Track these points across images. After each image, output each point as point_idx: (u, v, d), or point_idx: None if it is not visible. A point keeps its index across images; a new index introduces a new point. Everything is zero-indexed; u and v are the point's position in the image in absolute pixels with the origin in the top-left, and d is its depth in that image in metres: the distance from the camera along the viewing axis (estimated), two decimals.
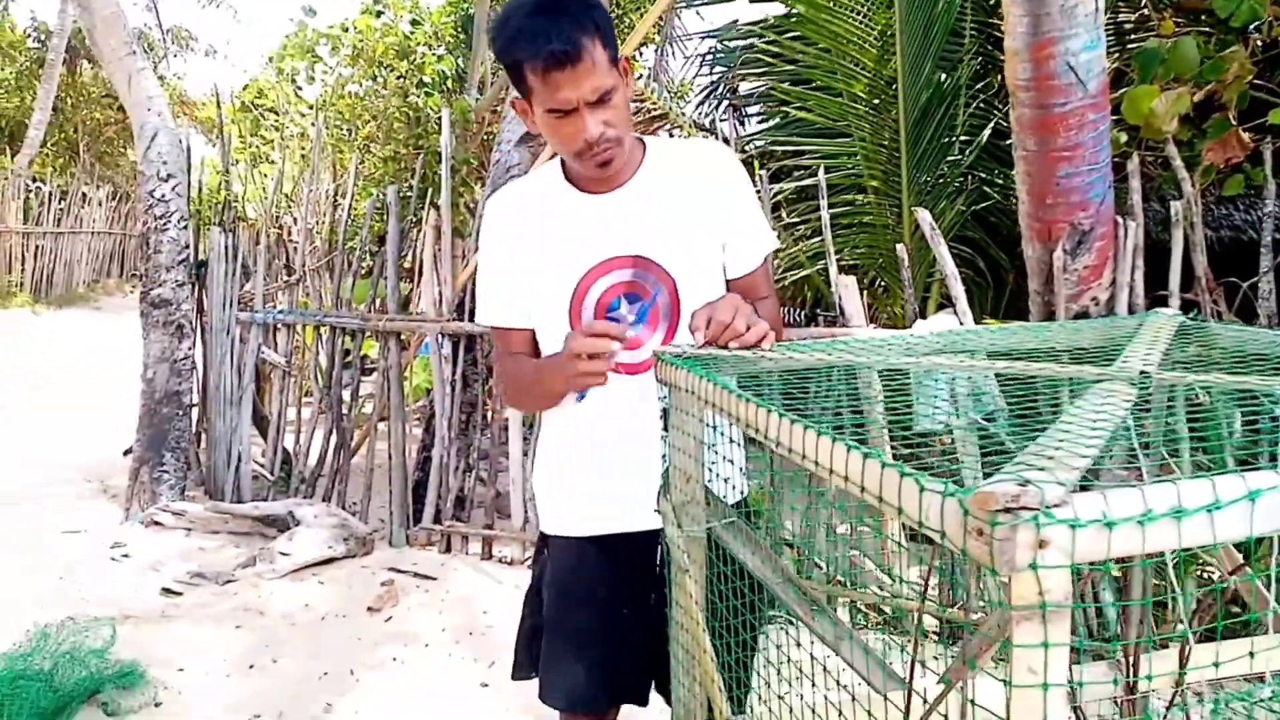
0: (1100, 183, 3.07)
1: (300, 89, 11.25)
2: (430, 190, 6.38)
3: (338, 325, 4.69)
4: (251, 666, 3.29)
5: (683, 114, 5.93)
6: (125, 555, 4.29)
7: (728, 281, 1.68)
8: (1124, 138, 3.75)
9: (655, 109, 5.39)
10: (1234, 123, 3.58)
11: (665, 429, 1.43)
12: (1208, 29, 4.02)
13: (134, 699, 3.00)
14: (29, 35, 17.07)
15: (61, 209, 15.91)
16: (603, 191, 1.62)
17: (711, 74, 6.30)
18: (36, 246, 15.54)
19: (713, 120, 5.93)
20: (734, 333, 1.38)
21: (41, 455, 6.34)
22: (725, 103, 6.19)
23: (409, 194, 5.90)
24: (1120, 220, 3.13)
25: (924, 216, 3.39)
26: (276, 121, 10.59)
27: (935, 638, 3.47)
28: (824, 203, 3.75)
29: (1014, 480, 0.59)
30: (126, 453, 5.17)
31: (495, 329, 1.74)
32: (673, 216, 1.62)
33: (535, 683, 1.80)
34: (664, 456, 1.44)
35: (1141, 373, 1.05)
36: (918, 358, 1.53)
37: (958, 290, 3.35)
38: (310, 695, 3.08)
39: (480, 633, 3.59)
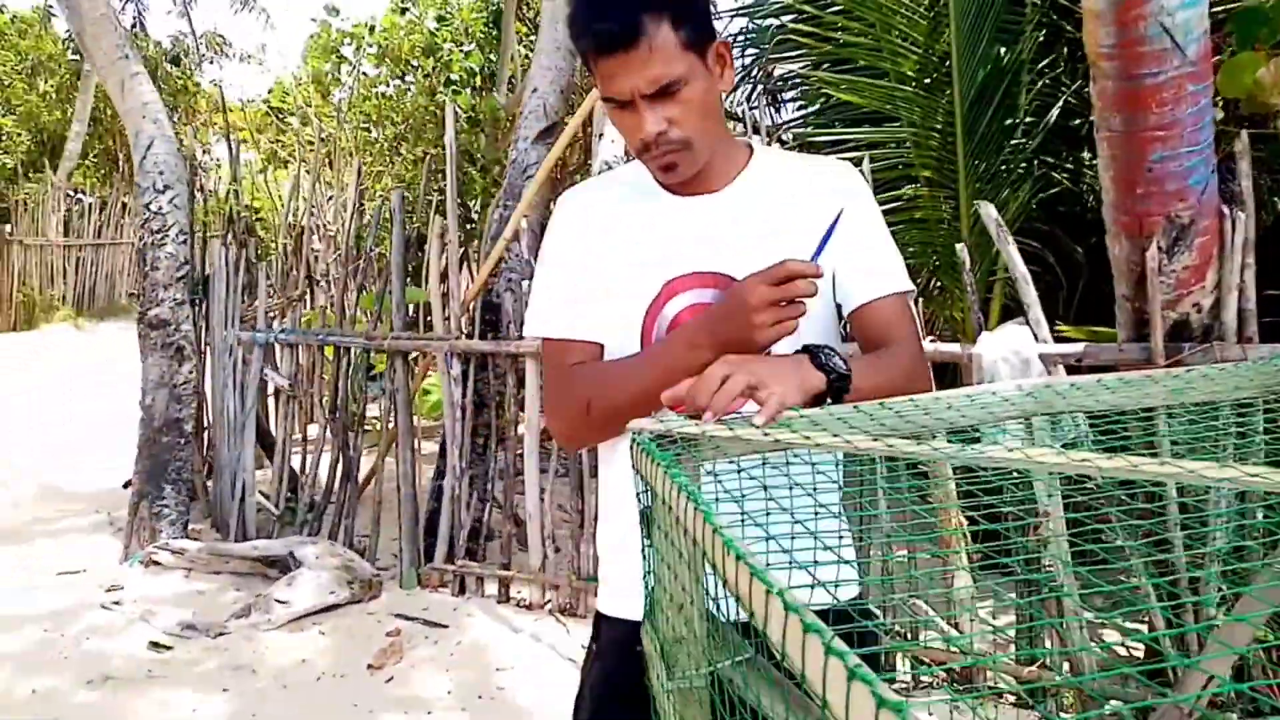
0: (1202, 167, 2.56)
1: (327, 92, 10.99)
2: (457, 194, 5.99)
3: (341, 344, 4.33)
4: None
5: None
6: (116, 603, 3.97)
7: (849, 318, 1.32)
8: (1220, 114, 3.23)
9: None
10: None
11: (647, 537, 1.01)
12: None
13: None
14: (67, 47, 17.09)
15: (102, 220, 15.92)
16: (696, 193, 1.34)
17: (743, 56, 5.81)
18: (78, 259, 15.56)
19: (745, 108, 5.45)
20: (702, 404, 1.01)
21: (60, 482, 6.11)
22: (759, 87, 5.71)
23: (438, 196, 5.52)
24: (1226, 211, 2.62)
25: (988, 211, 2.91)
26: (301, 126, 10.34)
27: (1011, 700, 3.00)
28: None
29: None
30: (126, 485, 4.87)
31: (549, 342, 1.37)
32: (770, 231, 1.30)
33: None
34: (645, 578, 1.03)
35: None
36: (992, 441, 1.09)
37: (1030, 296, 2.87)
38: None
39: (490, 695, 3.19)
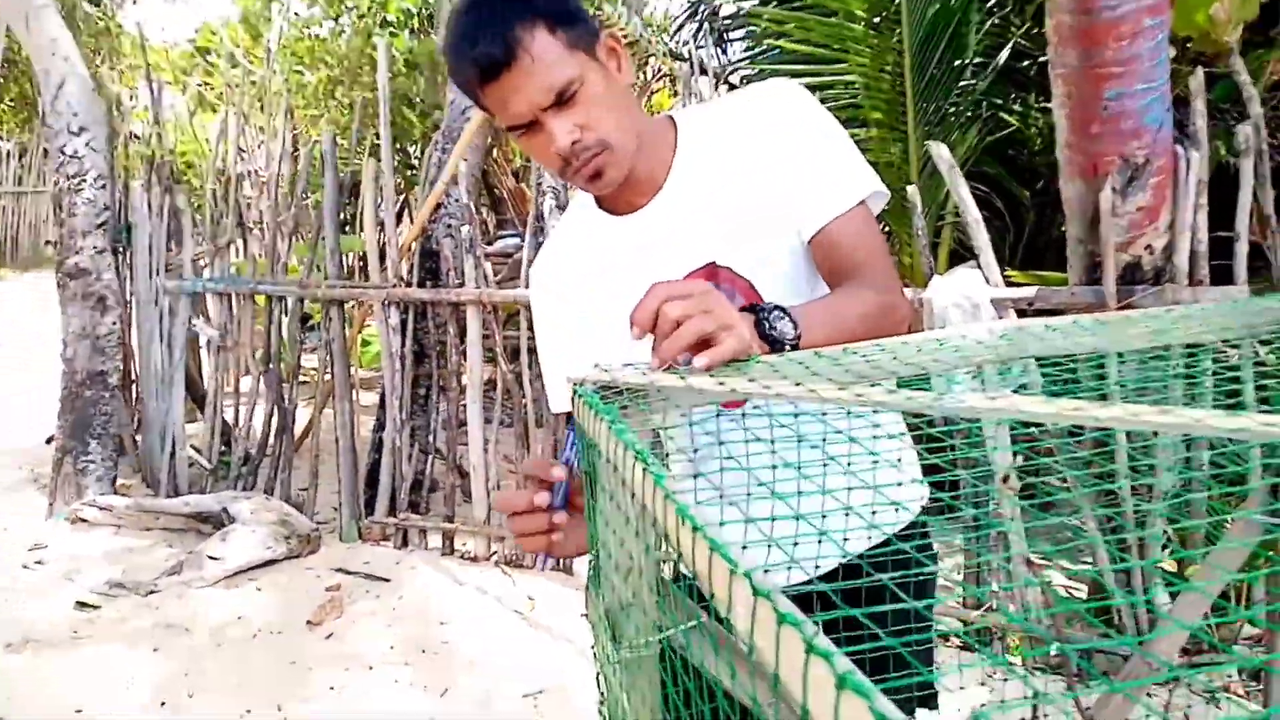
0: (1158, 105, 2.52)
1: (258, 33, 10.53)
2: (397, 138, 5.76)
3: (273, 294, 4.15)
4: (164, 704, 2.82)
5: (660, 42, 5.31)
6: (39, 563, 3.80)
7: (810, 249, 1.20)
8: (1171, 53, 3.18)
9: (626, 36, 4.77)
10: None
11: (593, 497, 0.93)
12: None
13: None
14: None
15: (22, 168, 15.21)
16: (641, 205, 1.24)
17: None
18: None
19: (691, 47, 5.29)
20: (663, 324, 0.88)
21: None
22: (705, 26, 5.55)
23: (375, 141, 5.29)
24: (1181, 150, 2.58)
25: (940, 151, 2.84)
26: (230, 68, 9.93)
27: (956, 644, 3.01)
28: None
29: None
30: (49, 441, 4.66)
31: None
32: (726, 203, 1.20)
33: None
34: (592, 546, 0.95)
35: None
36: (945, 390, 1.01)
37: (982, 239, 2.82)
38: None
39: (434, 651, 3.12)
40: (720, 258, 1.20)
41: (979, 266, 2.83)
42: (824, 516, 1.03)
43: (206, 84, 10.49)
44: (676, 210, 1.22)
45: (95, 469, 4.37)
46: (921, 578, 1.28)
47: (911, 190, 2.94)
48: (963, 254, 3.15)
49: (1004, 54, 4.14)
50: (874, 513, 1.20)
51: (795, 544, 0.84)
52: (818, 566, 1.25)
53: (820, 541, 1.07)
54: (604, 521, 0.88)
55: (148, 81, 5.61)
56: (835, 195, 1.18)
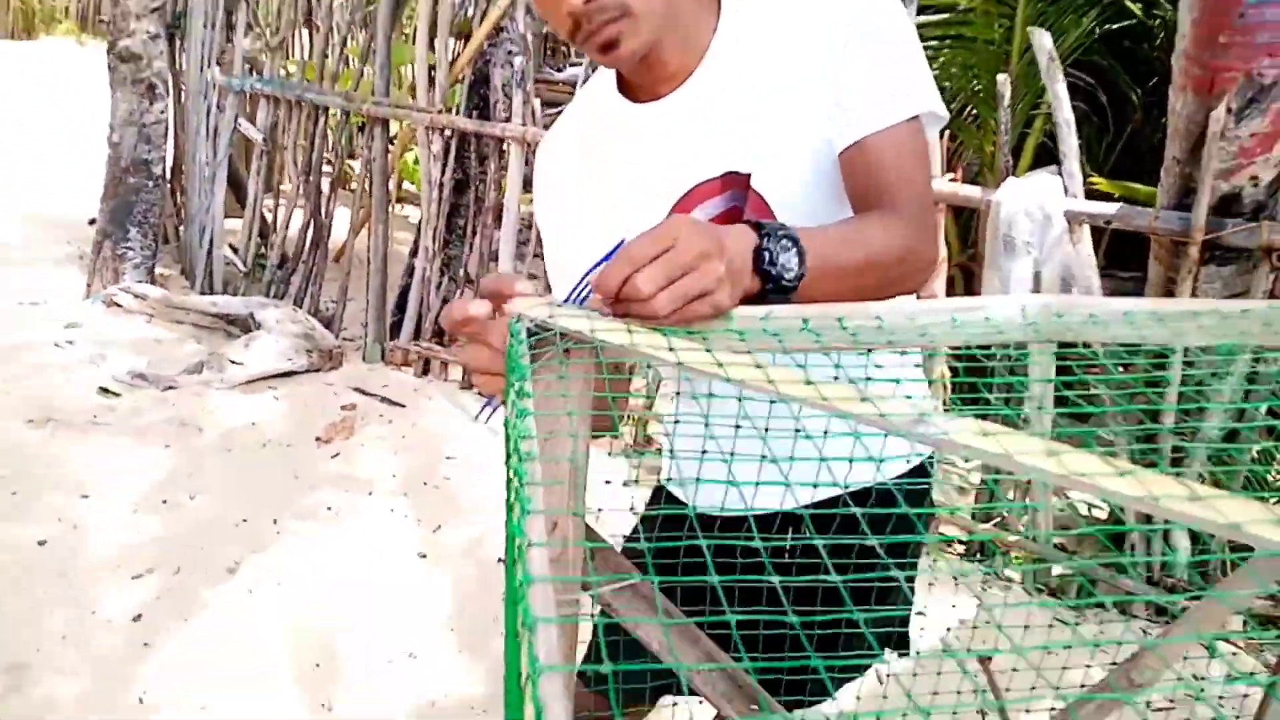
0: None
1: None
2: None
3: (318, 103, 3.99)
4: (165, 502, 2.87)
5: None
6: (70, 342, 3.85)
7: (840, 163, 1.01)
8: None
9: None
10: None
11: (513, 451, 0.80)
12: None
13: (17, 528, 2.62)
14: None
15: None
16: (662, 93, 1.05)
17: None
18: None
19: None
20: (632, 295, 0.72)
21: (43, 208, 5.90)
22: None
23: None
24: None
25: (1042, 41, 2.53)
26: None
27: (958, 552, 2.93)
28: (912, 5, 2.88)
29: None
30: (91, 222, 4.66)
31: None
32: (759, 105, 1.02)
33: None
34: (509, 491, 0.83)
35: None
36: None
37: (1069, 143, 2.54)
38: (217, 548, 2.66)
39: (435, 485, 3.12)
40: (740, 167, 1.03)
41: (1060, 173, 2.57)
42: (824, 441, 0.91)
43: None
44: (700, 106, 1.04)
45: (134, 256, 4.37)
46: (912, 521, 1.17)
47: (1002, 79, 2.65)
48: (1050, 153, 2.86)
49: None
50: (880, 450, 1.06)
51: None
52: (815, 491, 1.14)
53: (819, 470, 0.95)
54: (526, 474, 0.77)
55: None
56: (881, 105, 0.98)
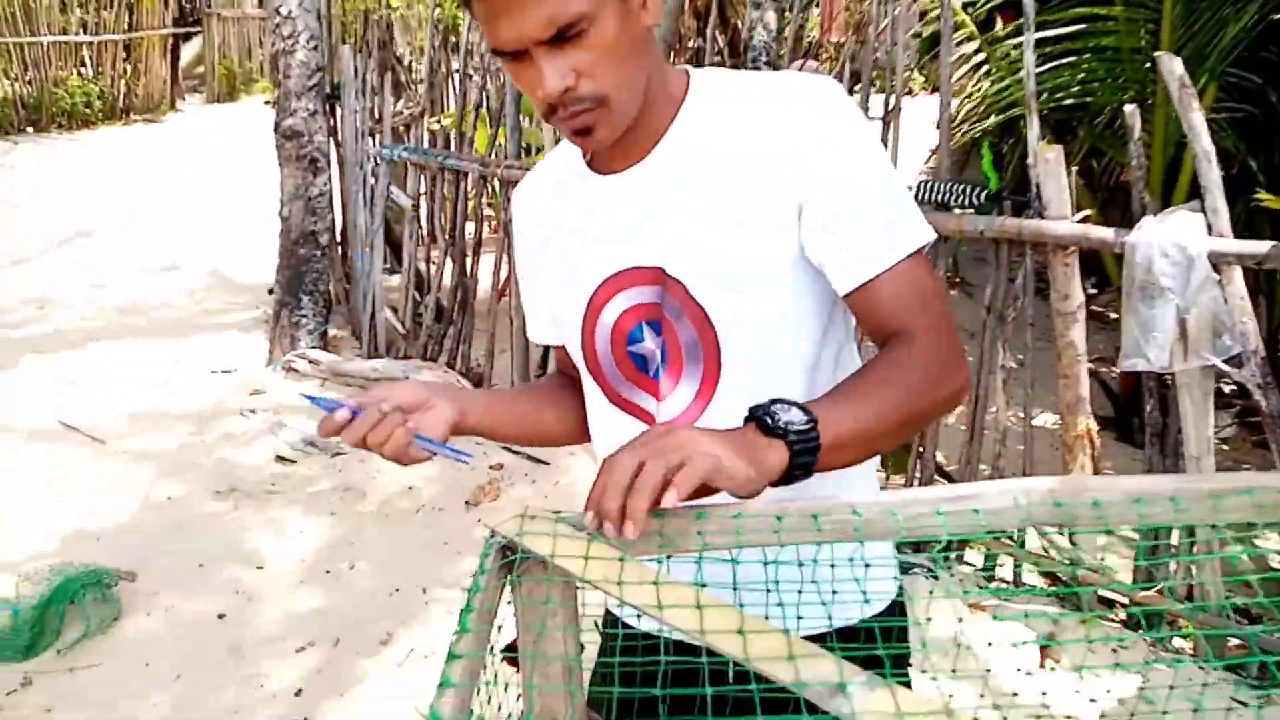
0: None
1: None
2: None
3: (457, 169, 4.19)
4: (327, 572, 3.11)
5: None
6: (252, 411, 4.22)
7: (847, 303, 1.02)
8: None
9: None
10: None
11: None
12: None
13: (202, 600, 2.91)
14: None
15: None
16: (619, 169, 1.06)
17: None
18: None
19: None
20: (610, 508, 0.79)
21: (230, 271, 6.48)
22: None
23: None
24: None
25: (1171, 66, 2.33)
26: None
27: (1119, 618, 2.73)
28: (1031, 8, 2.68)
29: None
30: (270, 292, 5.07)
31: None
32: (702, 207, 1.01)
33: None
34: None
35: None
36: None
37: (1210, 177, 2.33)
38: (373, 620, 2.85)
39: None
40: (674, 266, 1.02)
41: (1204, 209, 2.36)
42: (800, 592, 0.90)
43: None
44: (650, 189, 1.04)
45: (307, 323, 4.73)
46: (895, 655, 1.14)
47: (1130, 110, 2.46)
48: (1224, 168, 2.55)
49: None
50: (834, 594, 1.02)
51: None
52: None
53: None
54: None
55: None
56: (884, 248, 0.97)
